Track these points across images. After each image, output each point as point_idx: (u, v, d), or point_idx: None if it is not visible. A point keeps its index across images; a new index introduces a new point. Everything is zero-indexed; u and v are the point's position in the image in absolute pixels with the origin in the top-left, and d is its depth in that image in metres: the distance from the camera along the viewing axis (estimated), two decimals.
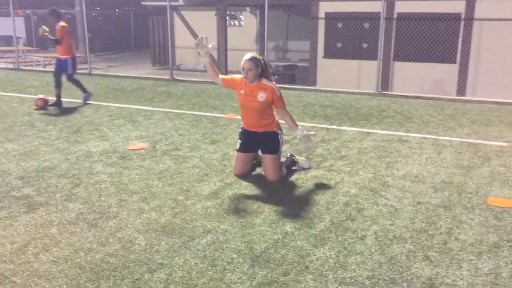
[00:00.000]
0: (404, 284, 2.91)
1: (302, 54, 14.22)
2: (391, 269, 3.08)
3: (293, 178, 4.80)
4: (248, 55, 4.53)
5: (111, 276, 2.97)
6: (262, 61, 4.56)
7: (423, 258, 3.21)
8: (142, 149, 5.77)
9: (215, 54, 15.89)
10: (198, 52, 4.83)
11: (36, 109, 8.11)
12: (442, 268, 3.10)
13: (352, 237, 3.52)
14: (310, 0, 11.99)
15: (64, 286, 2.87)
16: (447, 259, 3.21)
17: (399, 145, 6.04)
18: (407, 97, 9.87)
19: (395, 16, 11.26)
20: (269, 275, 2.99)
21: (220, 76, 4.83)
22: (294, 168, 5.02)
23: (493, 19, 10.23)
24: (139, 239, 3.45)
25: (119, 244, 3.38)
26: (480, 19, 10.44)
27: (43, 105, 8.22)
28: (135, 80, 12.35)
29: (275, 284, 2.90)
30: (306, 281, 2.93)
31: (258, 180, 4.73)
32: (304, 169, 5.03)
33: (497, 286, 2.91)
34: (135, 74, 13.50)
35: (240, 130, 4.90)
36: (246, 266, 3.09)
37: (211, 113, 8.04)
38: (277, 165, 4.72)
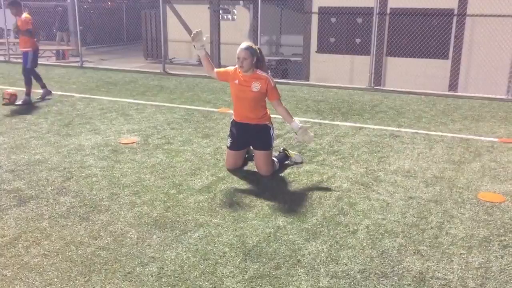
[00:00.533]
0: (395, 278, 2.93)
1: (295, 48, 14.21)
2: (382, 263, 3.09)
3: (286, 172, 4.81)
4: (244, 44, 4.51)
5: (103, 270, 2.96)
6: (258, 51, 4.54)
7: (414, 252, 3.23)
8: (134, 142, 5.74)
9: (208, 48, 15.83)
10: (194, 45, 4.79)
11: (4, 104, 7.88)
12: (433, 262, 3.12)
13: (344, 231, 3.53)
14: None
15: (55, 279, 2.86)
16: (438, 253, 3.23)
17: (391, 140, 6.06)
18: (399, 92, 9.90)
19: (388, 11, 11.28)
20: (261, 269, 2.99)
21: (215, 69, 4.82)
22: (286, 162, 5.02)
23: (485, 15, 10.27)
24: (130, 233, 3.44)
25: (110, 237, 3.37)
26: (472, 15, 10.48)
27: (12, 101, 7.89)
28: (127, 74, 12.28)
29: (267, 278, 2.90)
30: (298, 275, 2.94)
31: (251, 174, 4.73)
32: (296, 163, 5.03)
33: (487, 280, 2.93)
34: (127, 67, 13.42)
35: (230, 126, 4.85)
36: (238, 260, 3.09)
37: (203, 107, 8.01)
38: (269, 160, 4.71)
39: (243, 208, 3.91)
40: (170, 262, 3.06)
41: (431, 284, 2.87)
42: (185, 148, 5.53)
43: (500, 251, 3.28)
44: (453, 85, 10.86)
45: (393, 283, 2.87)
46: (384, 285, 2.86)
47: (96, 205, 3.93)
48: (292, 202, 4.06)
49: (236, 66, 4.62)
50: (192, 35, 4.71)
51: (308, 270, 2.99)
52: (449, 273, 3.00)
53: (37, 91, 8.46)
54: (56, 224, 3.57)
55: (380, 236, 3.46)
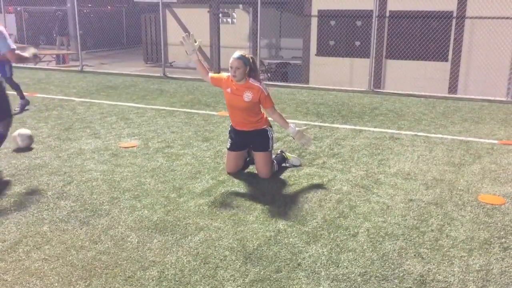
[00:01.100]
0: (396, 281, 2.93)
1: (295, 51, 14.22)
2: (383, 266, 3.09)
3: (286, 175, 4.81)
4: (236, 54, 4.49)
5: (103, 274, 2.96)
6: (251, 60, 4.50)
7: (414, 255, 3.23)
8: (134, 146, 5.75)
9: (207, 51, 15.86)
10: (186, 51, 4.79)
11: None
12: (434, 264, 3.12)
13: (345, 234, 3.53)
14: None
15: (56, 284, 2.86)
16: (439, 256, 3.23)
17: (391, 142, 6.06)
18: (399, 94, 9.91)
19: (387, 14, 11.29)
20: (261, 272, 2.99)
21: (210, 74, 4.82)
22: (284, 165, 5.02)
23: (485, 17, 10.29)
24: (131, 237, 3.44)
25: (111, 241, 3.37)
26: (471, 17, 10.50)
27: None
28: (127, 78, 12.30)
29: (268, 281, 2.90)
30: (299, 278, 2.94)
31: (251, 178, 4.73)
32: (295, 166, 5.03)
33: (488, 282, 2.93)
34: (127, 71, 13.44)
35: (229, 129, 4.89)
36: (239, 264, 3.09)
37: (203, 110, 8.02)
38: (268, 161, 4.72)
39: (243, 211, 3.91)
40: (170, 266, 3.06)
41: (432, 287, 2.87)
42: (185, 152, 5.54)
43: (500, 253, 3.28)
44: (452, 87, 10.86)
45: (394, 286, 2.87)
46: None
47: (97, 209, 3.93)
48: (292, 205, 4.06)
49: (229, 74, 4.62)
50: (180, 41, 4.71)
51: (309, 274, 2.99)
52: (449, 275, 3.00)
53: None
54: (56, 229, 3.57)
55: (381, 239, 3.46)
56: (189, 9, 15.62)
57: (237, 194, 4.31)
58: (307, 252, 3.25)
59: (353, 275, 2.98)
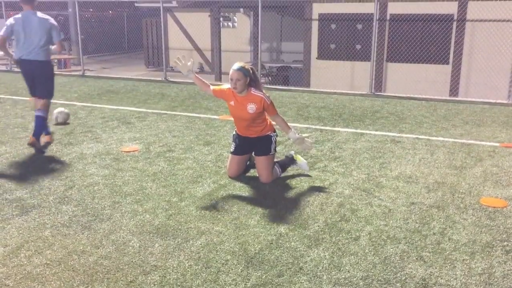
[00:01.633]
0: (398, 285, 2.92)
1: (295, 55, 14.24)
2: (385, 270, 3.08)
3: (287, 179, 4.81)
4: (236, 65, 4.44)
5: (105, 279, 2.96)
6: (251, 71, 4.47)
7: (416, 259, 3.23)
8: (135, 151, 5.75)
9: (208, 55, 15.89)
10: (181, 72, 4.75)
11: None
12: (436, 268, 3.11)
13: (346, 238, 3.53)
14: (303, 1, 12.01)
15: None
16: (441, 259, 3.23)
17: (393, 145, 6.06)
18: (400, 98, 9.91)
19: (388, 17, 11.31)
20: (263, 277, 2.99)
21: (211, 87, 4.78)
22: (292, 166, 4.97)
23: (485, 20, 10.30)
24: (132, 241, 3.44)
25: (112, 246, 3.37)
26: (472, 20, 10.51)
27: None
28: (128, 82, 12.32)
29: (270, 286, 2.90)
30: (301, 282, 2.94)
31: (252, 182, 4.73)
32: (302, 169, 4.99)
33: (490, 286, 2.92)
34: (129, 75, 13.47)
35: (234, 133, 4.89)
36: (240, 268, 3.09)
37: (205, 114, 8.03)
38: (269, 165, 4.71)
39: (244, 215, 3.90)
40: (172, 271, 3.05)
41: None
42: (187, 156, 5.54)
43: (503, 256, 3.27)
44: (454, 90, 10.87)
45: None
46: None
47: (98, 213, 3.93)
48: (293, 209, 4.05)
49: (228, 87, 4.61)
50: (173, 66, 4.69)
51: (311, 278, 2.99)
52: (452, 279, 2.99)
53: None
54: (58, 233, 3.57)
55: (383, 242, 3.46)
56: (190, 13, 15.66)
57: (239, 198, 4.30)
58: (308, 256, 3.25)
59: (355, 279, 2.98)
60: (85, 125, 7.13)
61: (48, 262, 3.15)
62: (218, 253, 3.27)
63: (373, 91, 10.52)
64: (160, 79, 12.60)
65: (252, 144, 4.75)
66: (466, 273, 3.06)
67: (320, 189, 4.51)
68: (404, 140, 6.35)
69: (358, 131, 6.88)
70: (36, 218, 3.83)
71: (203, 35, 15.64)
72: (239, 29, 15.41)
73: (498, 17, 10.13)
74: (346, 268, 3.10)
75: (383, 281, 2.96)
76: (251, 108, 4.50)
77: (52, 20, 5.81)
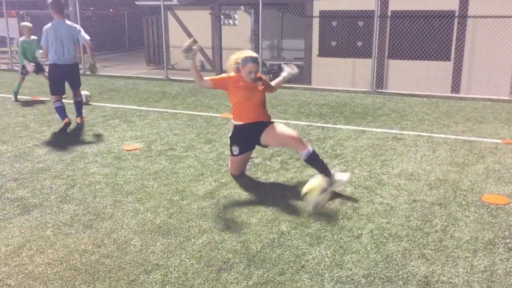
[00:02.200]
0: (400, 282, 2.92)
1: (297, 52, 14.22)
2: (387, 268, 3.08)
3: (288, 177, 4.80)
4: (252, 57, 4.48)
5: (107, 278, 2.96)
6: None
7: (419, 256, 3.22)
8: (137, 149, 5.75)
9: (209, 53, 15.87)
10: (186, 56, 4.52)
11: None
12: (438, 265, 3.10)
13: (348, 235, 3.52)
14: None
15: None
16: (443, 256, 3.22)
17: (394, 143, 6.04)
18: (402, 95, 9.89)
19: (389, 14, 11.28)
20: (265, 275, 2.99)
21: (206, 78, 4.64)
22: (332, 189, 4.32)
23: (487, 17, 10.26)
24: (134, 240, 3.44)
25: (114, 245, 3.37)
26: (473, 17, 10.47)
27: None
28: (129, 80, 12.32)
29: (271, 284, 2.89)
30: (303, 281, 2.93)
31: (254, 180, 4.72)
32: (342, 181, 4.42)
33: (492, 283, 2.91)
34: (130, 74, 13.46)
35: (232, 134, 4.73)
36: (242, 266, 3.09)
37: (206, 112, 8.02)
38: (287, 127, 4.66)
39: (246, 213, 3.90)
40: (174, 269, 3.05)
41: None
42: (188, 154, 5.53)
43: (505, 253, 3.26)
44: (455, 87, 10.84)
45: None
46: None
47: (100, 212, 3.93)
48: (295, 207, 4.05)
49: (232, 74, 4.62)
50: (184, 48, 4.47)
51: (313, 276, 2.98)
52: (454, 276, 2.98)
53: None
54: (60, 232, 3.57)
55: (385, 240, 3.45)
56: (191, 11, 15.64)
57: (240, 196, 4.30)
58: (310, 254, 3.24)
59: (357, 277, 2.97)
60: (86, 123, 7.13)
61: (49, 261, 3.15)
62: (219, 252, 3.27)
63: (374, 88, 10.50)
64: (161, 77, 12.59)
65: (256, 132, 4.58)
66: (468, 270, 3.05)
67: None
68: (405, 137, 6.34)
69: (360, 128, 6.86)
70: (37, 217, 3.83)
71: (204, 33, 15.61)
72: (240, 26, 15.38)
73: (500, 13, 10.09)
74: (348, 266, 3.10)
75: (385, 279, 2.96)
76: (259, 84, 4.67)
77: (78, 26, 6.77)
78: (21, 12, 23.50)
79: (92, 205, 4.08)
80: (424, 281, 2.93)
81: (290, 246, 3.35)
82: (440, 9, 10.67)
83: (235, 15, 15.40)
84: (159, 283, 2.90)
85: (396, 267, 3.08)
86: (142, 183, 4.60)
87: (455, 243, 3.41)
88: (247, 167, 4.93)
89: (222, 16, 14.48)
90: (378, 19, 10.44)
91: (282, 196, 4.30)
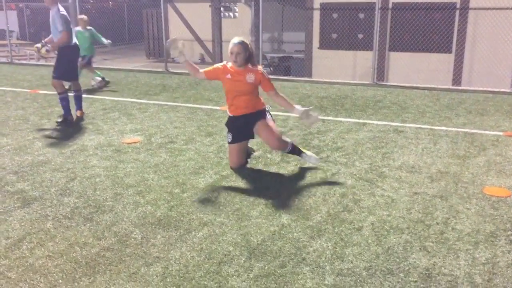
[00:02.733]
0: (401, 275, 2.91)
1: (297, 45, 14.17)
2: (388, 260, 3.07)
3: (289, 170, 4.79)
4: (236, 39, 4.51)
5: (107, 270, 2.95)
6: (249, 46, 4.55)
7: (420, 249, 3.21)
8: (137, 142, 5.73)
9: (209, 46, 15.81)
10: (172, 55, 4.79)
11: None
12: (439, 258, 3.10)
13: (349, 228, 3.51)
14: None
15: (60, 280, 2.85)
16: (444, 249, 3.21)
17: (395, 135, 6.03)
18: (402, 87, 9.85)
19: (390, 6, 11.22)
20: (266, 268, 2.98)
21: (201, 70, 4.79)
22: (299, 158, 4.86)
23: (488, 8, 10.20)
24: (135, 233, 3.43)
25: (115, 238, 3.36)
26: (475, 9, 10.42)
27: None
28: (129, 73, 12.28)
29: (272, 276, 2.89)
30: (303, 273, 2.92)
31: (254, 172, 4.71)
32: (310, 162, 4.84)
33: (494, 275, 2.91)
34: (130, 67, 13.42)
35: (227, 122, 4.85)
36: (243, 259, 3.08)
37: (206, 105, 8.00)
38: (273, 129, 4.66)
39: (247, 206, 3.89)
40: (174, 262, 3.05)
41: (437, 280, 2.85)
42: (188, 147, 5.52)
43: (507, 246, 3.25)
44: (456, 79, 10.81)
45: (399, 280, 2.85)
46: (390, 282, 2.84)
47: (100, 205, 3.92)
48: (296, 199, 4.04)
49: (224, 63, 4.66)
50: (166, 45, 4.73)
51: (313, 268, 2.98)
52: (455, 269, 2.97)
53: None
54: (60, 225, 3.56)
55: (386, 232, 3.44)
56: (191, 4, 15.57)
57: (241, 189, 4.29)
58: (311, 247, 3.23)
59: (358, 269, 2.96)
60: (86, 116, 7.11)
61: (50, 254, 3.15)
62: (220, 244, 3.26)
63: (375, 80, 10.46)
64: (161, 70, 12.56)
65: (249, 123, 4.68)
66: (469, 263, 3.04)
67: (322, 180, 4.49)
68: (407, 130, 6.32)
69: (361, 121, 6.84)
70: (38, 210, 3.82)
71: (204, 26, 15.55)
72: (240, 19, 15.32)
73: (501, 5, 10.03)
74: (349, 258, 3.09)
75: (386, 271, 2.95)
76: (250, 77, 4.54)
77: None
78: (20, 5, 23.41)
79: (93, 198, 4.07)
80: (426, 273, 2.92)
81: (291, 239, 3.34)
82: (441, 1, 10.62)
83: (235, 7, 15.33)
84: (159, 275, 2.90)
85: (397, 260, 3.07)
86: (142, 176, 4.59)
87: (456, 235, 3.40)
88: (248, 160, 4.93)
89: (222, 9, 14.42)
90: (379, 11, 10.39)
91: (282, 189, 4.29)
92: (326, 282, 2.84)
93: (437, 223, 3.59)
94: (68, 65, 6.70)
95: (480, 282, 2.84)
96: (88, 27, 9.79)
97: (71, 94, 7.03)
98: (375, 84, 10.28)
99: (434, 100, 8.47)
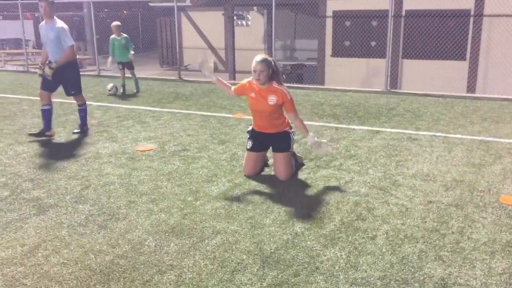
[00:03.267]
0: (416, 285, 2.88)
1: (310, 53, 14.17)
2: (403, 269, 3.04)
3: (302, 177, 4.78)
4: (259, 57, 4.52)
5: (121, 278, 2.96)
6: (273, 63, 4.55)
7: (435, 258, 3.17)
8: (150, 150, 5.77)
9: (222, 54, 15.89)
10: (204, 74, 4.82)
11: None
12: (455, 268, 3.06)
13: (363, 237, 3.49)
14: None
15: None
16: (460, 258, 3.17)
17: (409, 143, 5.98)
18: (416, 94, 9.80)
19: (403, 13, 11.18)
20: (279, 276, 2.97)
21: (232, 88, 4.87)
22: (299, 160, 5.04)
23: (503, 15, 10.12)
24: (148, 241, 3.45)
25: (128, 245, 3.38)
26: (489, 15, 10.34)
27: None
28: (143, 81, 12.37)
29: (286, 285, 2.87)
30: (317, 282, 2.91)
31: (267, 180, 4.71)
32: (297, 162, 5.01)
33: (511, 286, 2.86)
34: (143, 75, 13.53)
35: (249, 130, 4.90)
36: (256, 267, 3.07)
37: (219, 113, 8.03)
38: (288, 163, 4.71)
39: (260, 214, 3.89)
40: (188, 270, 3.05)
41: None
42: (202, 155, 5.54)
43: None
44: (471, 87, 10.71)
45: None
46: None
47: (114, 213, 3.94)
48: (309, 207, 4.02)
49: (250, 78, 4.67)
50: (198, 64, 4.80)
51: (327, 277, 2.96)
52: (471, 279, 2.93)
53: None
54: (75, 233, 3.59)
55: (400, 241, 3.41)
56: (204, 12, 15.68)
57: (254, 197, 4.29)
58: (325, 256, 3.21)
59: (372, 279, 2.94)
60: (100, 124, 7.18)
61: (65, 261, 3.17)
62: (233, 253, 3.26)
63: (388, 88, 10.42)
64: (174, 78, 12.64)
65: (270, 141, 4.74)
66: (486, 273, 3.00)
67: (335, 188, 4.47)
68: (421, 137, 6.27)
69: (374, 128, 6.81)
70: (53, 218, 3.86)
71: (217, 34, 15.64)
72: (253, 27, 15.39)
73: None
74: (363, 267, 3.07)
75: (401, 281, 2.92)
76: (272, 99, 4.55)
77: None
78: (36, 15, 23.76)
79: (107, 205, 4.10)
80: (441, 283, 2.89)
81: (304, 247, 3.33)
82: (455, 8, 10.56)
83: (248, 15, 15.41)
84: (173, 283, 2.90)
85: (412, 269, 3.04)
86: (156, 183, 4.62)
87: (472, 245, 3.36)
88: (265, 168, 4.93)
89: (235, 17, 14.49)
90: (392, 18, 10.36)
91: (295, 197, 4.28)
92: None
93: (453, 232, 3.55)
94: (79, 76, 6.62)
95: None
96: (123, 34, 10.02)
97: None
98: (389, 92, 10.23)
99: (448, 107, 8.40)
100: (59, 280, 2.95)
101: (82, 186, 4.57)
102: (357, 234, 3.52)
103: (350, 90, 10.48)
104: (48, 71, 6.09)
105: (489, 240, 3.43)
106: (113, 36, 10.06)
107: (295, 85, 11.37)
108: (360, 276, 2.97)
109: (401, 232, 3.56)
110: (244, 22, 15.52)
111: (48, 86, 6.33)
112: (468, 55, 10.75)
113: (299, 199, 4.24)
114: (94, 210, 4.00)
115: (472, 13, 10.51)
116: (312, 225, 3.67)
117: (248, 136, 4.86)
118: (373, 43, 11.74)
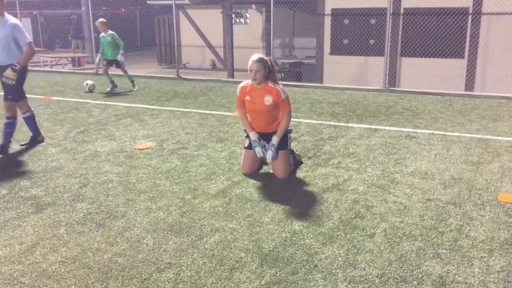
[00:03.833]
0: (415, 282, 2.88)
1: (308, 51, 14.17)
2: (401, 267, 3.04)
3: (301, 176, 4.78)
4: (255, 56, 4.51)
5: (120, 276, 2.96)
6: (269, 62, 4.54)
7: (433, 256, 3.18)
8: (149, 148, 5.76)
9: (221, 52, 15.87)
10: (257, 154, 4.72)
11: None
12: (453, 265, 3.06)
13: (361, 235, 3.49)
14: None
15: (73, 286, 2.87)
16: (458, 256, 3.17)
17: (408, 141, 5.99)
18: (415, 93, 9.80)
19: (401, 11, 11.18)
20: (277, 274, 2.97)
21: (242, 110, 4.76)
22: (298, 158, 5.05)
23: (501, 13, 10.12)
24: (147, 239, 3.44)
25: (127, 243, 3.37)
26: (488, 14, 10.34)
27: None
28: (141, 79, 12.36)
29: (284, 283, 2.87)
30: (315, 280, 2.91)
31: (266, 179, 4.70)
32: (296, 161, 5.02)
33: (509, 283, 2.86)
34: (142, 73, 13.52)
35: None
36: (255, 265, 3.07)
37: (218, 111, 8.02)
38: (286, 161, 4.70)
39: (258, 212, 3.88)
40: (186, 268, 3.05)
41: None
42: (200, 153, 5.53)
43: None
44: (469, 85, 10.72)
45: None
46: None
47: (112, 211, 3.94)
48: (307, 206, 4.02)
49: (239, 87, 4.68)
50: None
51: (326, 275, 2.96)
52: (470, 277, 2.94)
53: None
54: (73, 231, 3.59)
55: (398, 239, 3.41)
56: (202, 10, 15.66)
57: (252, 195, 4.29)
58: (323, 254, 3.22)
59: (370, 277, 2.94)
60: (98, 122, 7.17)
61: (63, 259, 3.17)
62: (232, 251, 3.26)
63: (387, 86, 10.42)
64: (172, 76, 12.63)
65: (267, 140, 4.73)
66: (484, 270, 3.01)
67: (334, 186, 4.47)
68: (419, 135, 6.27)
69: (372, 126, 6.81)
70: (51, 216, 3.85)
71: (215, 32, 15.63)
72: (251, 25, 15.37)
73: None
74: (362, 265, 3.07)
75: (399, 278, 2.92)
76: (268, 100, 4.54)
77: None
78: (34, 12, 23.72)
79: (105, 203, 4.09)
80: (439, 281, 2.89)
81: (303, 245, 3.33)
82: (453, 6, 10.55)
83: (246, 13, 15.39)
84: (171, 281, 2.90)
85: (411, 267, 3.05)
86: (154, 181, 4.61)
87: (471, 242, 3.36)
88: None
89: (233, 15, 14.47)
90: (391, 16, 10.36)
91: (294, 195, 4.28)
92: None
93: (451, 230, 3.55)
94: (23, 83, 5.77)
95: None
96: (110, 31, 10.05)
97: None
98: (387, 90, 10.23)
99: (447, 105, 8.41)
100: (57, 278, 2.95)
101: (80, 184, 4.57)
102: (355, 232, 3.52)
103: (349, 88, 10.48)
104: (11, 74, 5.36)
105: (487, 238, 3.43)
106: (101, 34, 10.13)
107: (293, 83, 11.36)
108: (358, 274, 2.97)
109: (399, 230, 3.56)
110: (242, 20, 15.50)
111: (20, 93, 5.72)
112: (466, 53, 10.75)
113: (298, 197, 4.24)
114: (92, 208, 3.99)
115: (470, 11, 10.51)
116: (311, 223, 3.67)
117: (246, 134, 4.86)
118: (371, 41, 11.73)
